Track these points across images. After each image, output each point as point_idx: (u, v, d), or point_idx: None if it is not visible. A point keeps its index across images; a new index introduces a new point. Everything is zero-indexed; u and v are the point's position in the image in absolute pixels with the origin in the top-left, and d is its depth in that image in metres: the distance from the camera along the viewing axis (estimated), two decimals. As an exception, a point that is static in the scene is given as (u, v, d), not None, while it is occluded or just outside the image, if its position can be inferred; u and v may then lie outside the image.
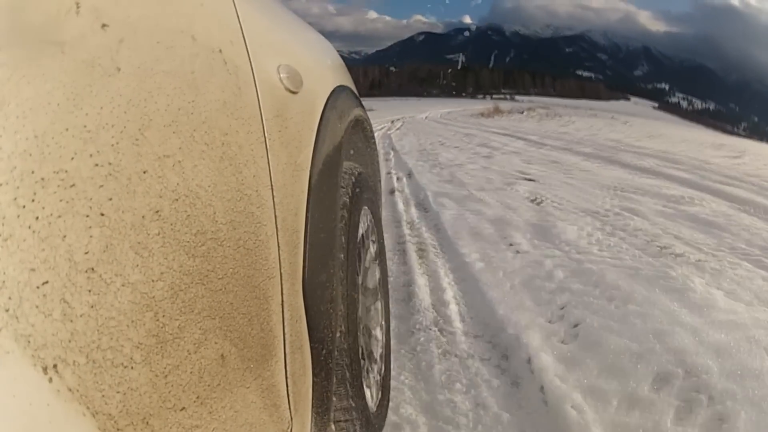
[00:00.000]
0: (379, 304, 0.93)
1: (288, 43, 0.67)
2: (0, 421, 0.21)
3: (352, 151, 0.92)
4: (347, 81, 0.92)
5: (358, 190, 0.78)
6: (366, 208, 0.87)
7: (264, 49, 0.53)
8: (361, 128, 0.99)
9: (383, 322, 0.94)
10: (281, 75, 0.55)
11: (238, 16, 0.48)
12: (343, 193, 0.70)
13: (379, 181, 1.23)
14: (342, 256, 0.63)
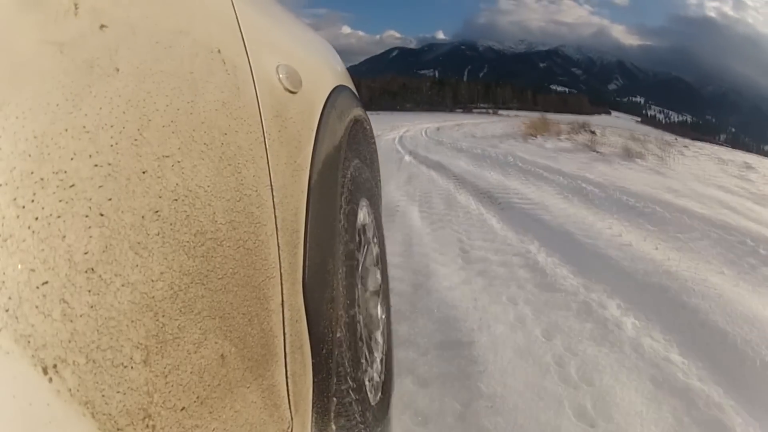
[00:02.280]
0: (379, 308, 0.93)
1: (287, 43, 0.67)
2: (0, 421, 0.21)
3: (351, 151, 0.92)
4: (346, 81, 0.92)
5: (358, 189, 0.78)
6: (366, 208, 0.87)
7: (263, 49, 0.53)
8: (361, 128, 0.99)
9: (383, 319, 0.94)
10: (280, 75, 0.55)
11: (236, 16, 0.48)
12: (343, 193, 0.70)
13: (379, 180, 1.23)
14: (342, 256, 0.63)
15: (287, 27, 0.72)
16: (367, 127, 1.04)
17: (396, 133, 11.01)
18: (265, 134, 0.47)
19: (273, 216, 0.46)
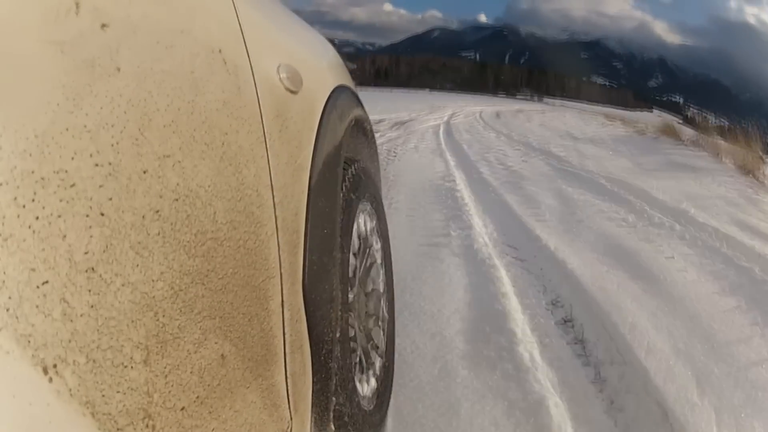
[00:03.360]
0: (381, 304, 0.93)
1: (288, 43, 0.67)
2: (0, 421, 0.21)
3: (352, 151, 0.92)
4: (347, 81, 0.92)
5: (358, 189, 0.78)
6: (366, 208, 0.87)
7: (264, 48, 0.53)
8: (362, 128, 0.99)
9: (386, 320, 0.93)
10: (281, 75, 0.55)
11: (237, 16, 0.48)
12: (343, 193, 0.70)
13: (380, 180, 1.23)
14: (342, 256, 0.63)
15: (288, 27, 0.72)
16: (368, 127, 1.04)
17: (438, 116, 6.80)
18: (266, 134, 0.47)
19: (273, 216, 0.46)
